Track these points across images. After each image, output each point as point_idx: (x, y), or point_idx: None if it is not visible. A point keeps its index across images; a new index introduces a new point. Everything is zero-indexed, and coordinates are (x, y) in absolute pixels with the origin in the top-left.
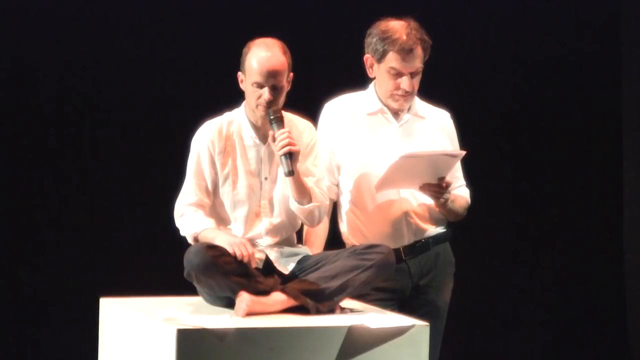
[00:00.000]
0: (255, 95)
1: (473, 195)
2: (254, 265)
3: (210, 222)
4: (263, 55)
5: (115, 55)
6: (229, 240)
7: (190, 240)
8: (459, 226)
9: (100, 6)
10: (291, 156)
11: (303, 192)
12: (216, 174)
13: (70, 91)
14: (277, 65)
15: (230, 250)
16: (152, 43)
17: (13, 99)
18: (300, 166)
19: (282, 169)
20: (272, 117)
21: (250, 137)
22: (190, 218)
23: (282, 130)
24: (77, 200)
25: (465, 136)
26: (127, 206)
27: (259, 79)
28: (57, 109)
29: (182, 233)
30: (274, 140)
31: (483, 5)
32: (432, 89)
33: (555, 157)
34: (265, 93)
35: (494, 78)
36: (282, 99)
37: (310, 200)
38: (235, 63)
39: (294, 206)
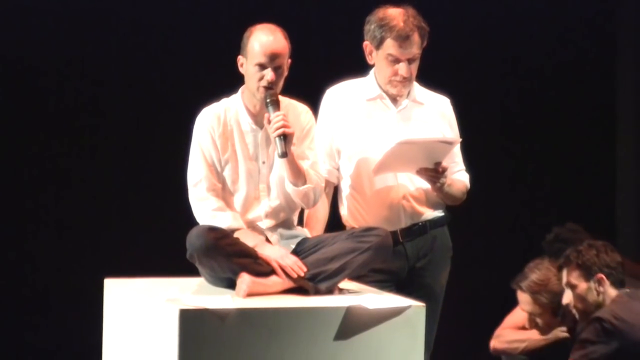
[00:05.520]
0: (257, 76)
1: (472, 180)
2: (301, 274)
3: (241, 222)
4: (267, 38)
5: (113, 46)
6: (273, 255)
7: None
8: (457, 210)
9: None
10: (285, 138)
11: (298, 174)
12: (220, 157)
13: (72, 76)
14: (280, 47)
15: (276, 267)
16: (149, 35)
17: (17, 89)
18: (296, 149)
19: (276, 152)
20: (268, 100)
21: (247, 122)
22: (220, 212)
23: (277, 113)
24: (81, 184)
25: (464, 122)
26: (131, 189)
27: (262, 59)
28: (58, 93)
29: (206, 220)
30: (269, 122)
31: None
32: (433, 78)
33: (552, 146)
34: (269, 73)
35: (494, 69)
36: (281, 83)
37: (305, 182)
38: (232, 52)
39: (289, 188)
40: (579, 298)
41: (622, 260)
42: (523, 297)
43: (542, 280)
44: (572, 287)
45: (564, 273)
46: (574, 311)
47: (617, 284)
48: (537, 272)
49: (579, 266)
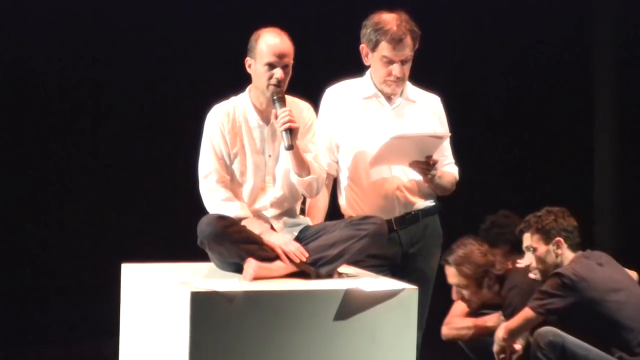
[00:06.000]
0: (266, 75)
1: (462, 172)
2: (304, 259)
3: (248, 211)
4: (275, 40)
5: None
6: (278, 242)
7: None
8: (448, 200)
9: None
10: (291, 132)
11: (302, 166)
12: (229, 151)
13: (92, 62)
14: (287, 48)
15: (280, 253)
16: (158, 39)
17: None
18: (299, 143)
19: (283, 145)
20: (275, 97)
21: (254, 119)
22: (229, 202)
23: (283, 109)
24: (99, 179)
25: (454, 118)
26: (146, 182)
27: (272, 59)
28: (75, 78)
29: (215, 209)
30: (276, 117)
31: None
32: (426, 77)
33: (535, 142)
34: (278, 72)
35: (483, 70)
36: (287, 81)
37: (308, 173)
38: (238, 53)
39: (294, 178)
40: (539, 260)
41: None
42: (449, 271)
43: (466, 254)
44: (533, 249)
45: (525, 237)
46: (534, 272)
47: (574, 246)
48: (463, 247)
49: (539, 230)
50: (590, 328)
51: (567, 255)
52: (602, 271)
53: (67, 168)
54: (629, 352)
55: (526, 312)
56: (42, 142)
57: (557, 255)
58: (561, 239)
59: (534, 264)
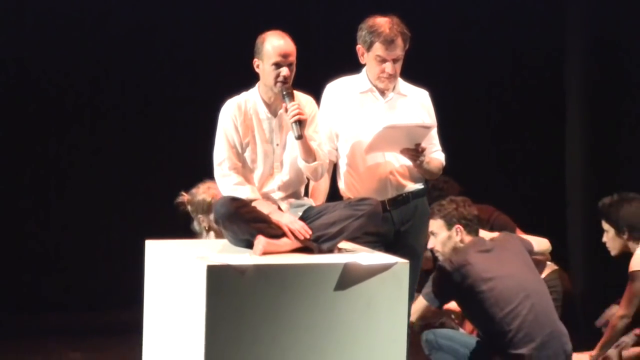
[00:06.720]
0: (274, 74)
1: (448, 158)
2: (307, 236)
3: (258, 194)
4: (279, 42)
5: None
6: (284, 220)
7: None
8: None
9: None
10: (300, 123)
11: (309, 153)
12: (241, 140)
13: (110, 57)
14: (291, 48)
15: (287, 231)
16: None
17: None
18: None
19: (291, 135)
20: (284, 93)
21: (264, 112)
22: (240, 186)
23: (293, 103)
24: (122, 169)
25: (442, 110)
26: (165, 170)
27: (278, 59)
28: (99, 69)
29: (228, 192)
30: (286, 111)
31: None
32: (422, 74)
33: (512, 137)
34: (285, 70)
35: (465, 67)
36: (292, 77)
37: (314, 160)
38: (244, 53)
39: (302, 164)
40: (441, 244)
41: (493, 212)
42: None
43: None
44: (435, 235)
45: (430, 223)
46: (437, 254)
47: (473, 233)
48: None
49: (441, 217)
50: (471, 316)
51: (466, 240)
52: (484, 259)
53: (96, 153)
54: (493, 340)
55: (419, 299)
56: (63, 129)
57: (456, 241)
58: (461, 226)
59: (436, 248)
